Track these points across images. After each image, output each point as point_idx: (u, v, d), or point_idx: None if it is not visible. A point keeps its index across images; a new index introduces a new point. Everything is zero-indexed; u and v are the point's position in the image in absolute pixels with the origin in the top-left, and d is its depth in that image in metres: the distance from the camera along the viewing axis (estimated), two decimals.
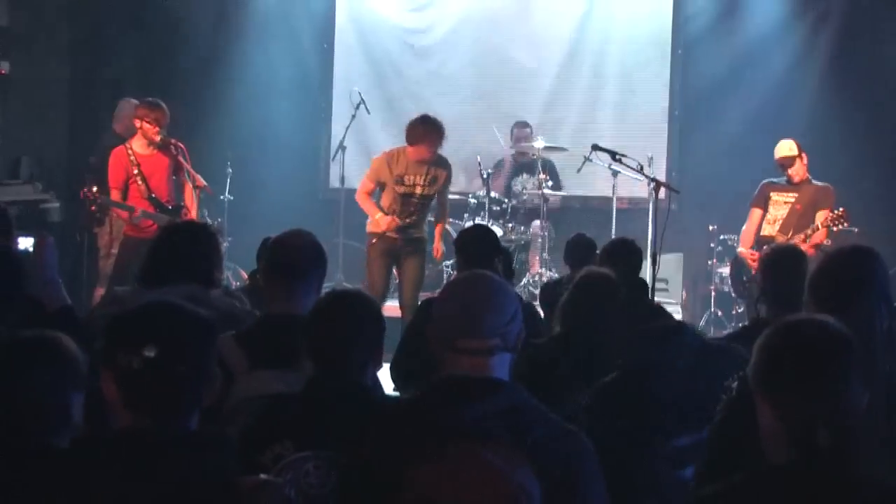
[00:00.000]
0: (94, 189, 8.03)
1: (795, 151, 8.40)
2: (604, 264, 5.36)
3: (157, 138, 8.12)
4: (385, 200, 8.20)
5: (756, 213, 8.56)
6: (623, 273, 5.34)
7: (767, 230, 8.44)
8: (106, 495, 2.20)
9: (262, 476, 2.47)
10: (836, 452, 2.30)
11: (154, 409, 2.31)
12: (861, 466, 2.35)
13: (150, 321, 2.38)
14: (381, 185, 8.21)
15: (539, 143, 10.09)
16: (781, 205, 8.44)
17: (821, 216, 8.13)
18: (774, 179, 8.55)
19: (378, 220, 8.09)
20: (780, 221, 8.39)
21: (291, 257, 3.91)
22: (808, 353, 2.38)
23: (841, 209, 8.06)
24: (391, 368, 5.30)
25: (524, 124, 10.58)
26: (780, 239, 8.10)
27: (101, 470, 2.25)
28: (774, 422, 2.37)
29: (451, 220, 10.00)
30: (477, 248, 5.43)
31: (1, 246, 3.82)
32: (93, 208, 8.19)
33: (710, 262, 10.06)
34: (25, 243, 4.48)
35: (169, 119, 8.21)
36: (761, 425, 2.42)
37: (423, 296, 7.81)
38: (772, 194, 8.49)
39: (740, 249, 8.51)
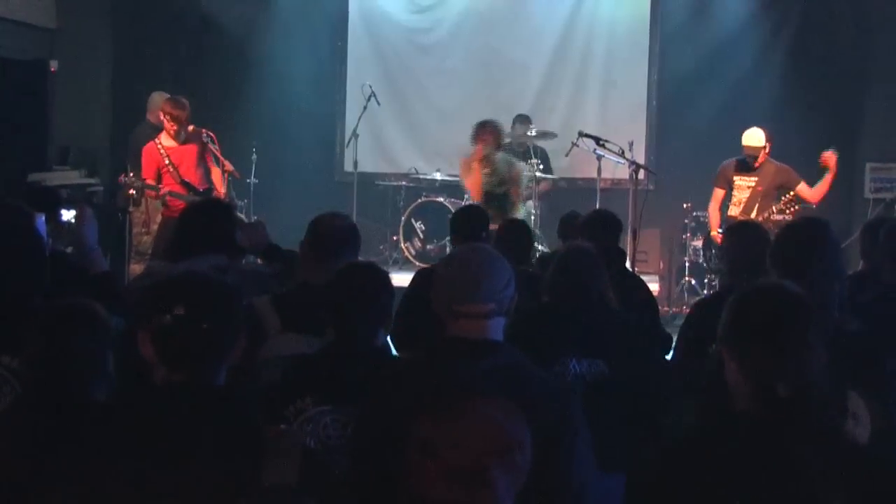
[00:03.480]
0: (131, 175, 8.11)
1: (763, 143, 8.30)
2: (583, 235, 5.34)
3: (173, 133, 8.13)
4: None
5: (719, 192, 8.49)
6: (601, 243, 5.32)
7: (733, 211, 8.41)
8: (141, 443, 2.22)
9: (283, 426, 2.48)
10: (793, 404, 2.30)
11: (185, 362, 2.34)
12: (818, 418, 2.35)
13: (179, 285, 2.41)
14: None
15: (531, 132, 10.07)
16: (744, 189, 8.37)
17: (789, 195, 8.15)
18: (735, 161, 8.47)
19: None
20: (744, 203, 8.37)
21: (327, 237, 3.92)
22: (768, 315, 2.37)
23: (791, 194, 8.10)
24: (391, 332, 5.31)
25: (525, 118, 10.50)
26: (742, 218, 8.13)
27: (138, 420, 2.27)
28: (738, 376, 2.37)
29: (452, 199, 10.01)
30: (468, 224, 5.45)
31: (21, 224, 3.81)
32: (131, 192, 8.23)
33: (684, 237, 10.05)
34: (68, 216, 4.48)
35: (189, 115, 8.21)
36: (728, 379, 2.42)
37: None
38: (735, 179, 8.42)
39: (713, 233, 8.40)
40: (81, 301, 2.92)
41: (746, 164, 8.36)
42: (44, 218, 4.24)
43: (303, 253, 4.03)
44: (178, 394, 2.31)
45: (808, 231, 3.63)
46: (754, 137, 8.32)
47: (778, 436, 2.26)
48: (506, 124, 10.55)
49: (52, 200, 4.85)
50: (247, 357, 3.34)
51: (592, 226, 5.48)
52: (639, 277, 5.95)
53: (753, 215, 8.15)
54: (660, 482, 2.33)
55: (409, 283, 5.45)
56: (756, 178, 8.33)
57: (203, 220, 4.33)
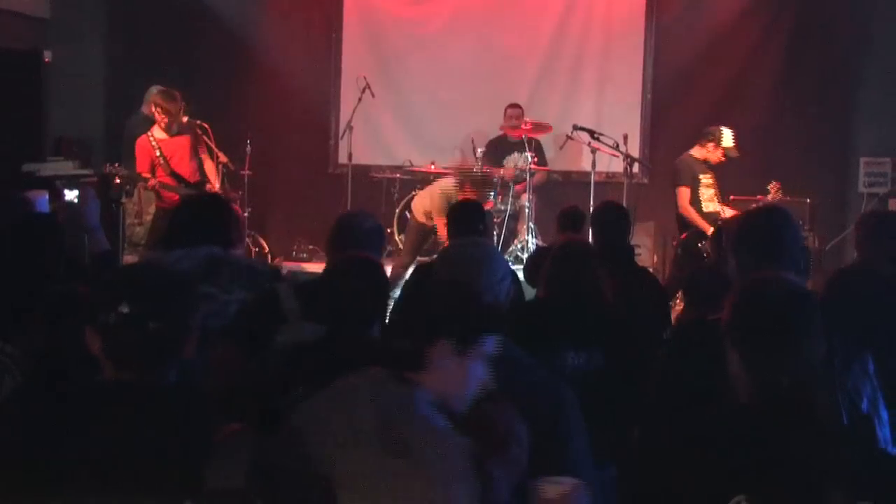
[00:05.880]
0: (116, 164, 8.10)
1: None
2: (593, 228, 5.37)
3: (164, 126, 8.11)
4: None
5: (686, 191, 8.52)
6: (611, 236, 5.35)
7: (710, 207, 8.45)
8: (86, 441, 2.19)
9: (236, 426, 2.39)
10: (795, 396, 2.30)
11: (131, 361, 2.29)
12: (818, 409, 2.36)
13: (126, 282, 2.36)
14: None
15: (526, 125, 10.07)
16: (709, 186, 8.58)
17: None
18: (692, 159, 8.63)
19: None
20: (716, 199, 8.58)
21: (351, 235, 3.97)
22: (772, 310, 2.38)
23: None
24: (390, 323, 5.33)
25: (516, 106, 10.50)
26: (727, 211, 8.45)
27: (84, 417, 2.24)
28: (741, 368, 2.37)
29: None
30: (465, 218, 5.48)
31: (41, 215, 3.82)
32: (117, 180, 8.21)
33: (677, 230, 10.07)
34: (70, 195, 4.52)
35: (181, 107, 8.19)
36: (730, 371, 2.42)
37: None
38: (700, 177, 8.54)
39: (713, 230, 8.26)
40: (75, 288, 2.89)
41: (706, 163, 8.54)
42: (46, 197, 4.27)
43: (327, 251, 4.09)
44: (124, 392, 2.26)
45: (772, 221, 3.50)
46: (732, 137, 8.46)
47: (780, 428, 2.27)
48: (500, 114, 10.58)
49: (54, 184, 4.89)
50: (262, 341, 3.35)
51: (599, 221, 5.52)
52: (650, 274, 5.96)
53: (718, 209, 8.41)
54: (662, 472, 2.34)
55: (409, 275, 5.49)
56: (711, 173, 8.57)
57: (198, 213, 4.35)
